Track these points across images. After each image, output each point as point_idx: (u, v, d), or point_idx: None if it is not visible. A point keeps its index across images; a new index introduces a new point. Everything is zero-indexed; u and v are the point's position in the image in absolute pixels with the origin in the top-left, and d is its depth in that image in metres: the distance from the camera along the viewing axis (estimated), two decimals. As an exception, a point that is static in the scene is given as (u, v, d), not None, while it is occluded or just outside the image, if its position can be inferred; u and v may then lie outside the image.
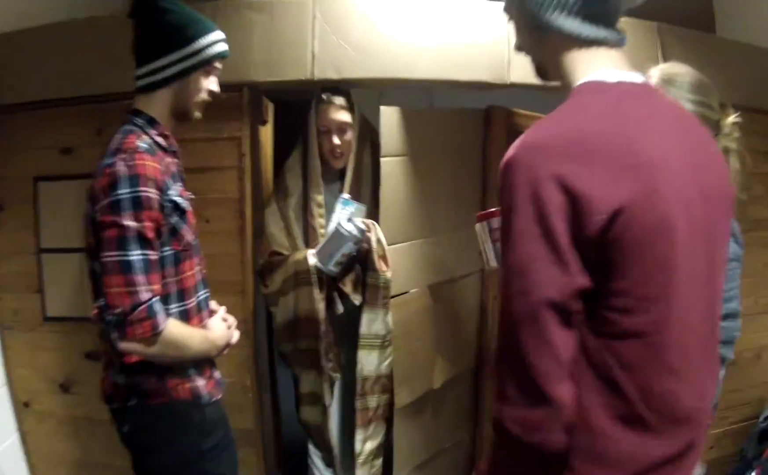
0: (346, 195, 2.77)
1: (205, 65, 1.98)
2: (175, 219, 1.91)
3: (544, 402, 1.16)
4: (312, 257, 2.69)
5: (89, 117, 2.76)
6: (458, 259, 3.09)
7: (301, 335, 2.79)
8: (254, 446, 2.89)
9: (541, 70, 1.47)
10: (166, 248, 1.91)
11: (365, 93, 3.06)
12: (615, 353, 1.21)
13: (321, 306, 2.72)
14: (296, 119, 2.99)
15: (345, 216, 2.70)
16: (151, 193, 1.79)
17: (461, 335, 3.19)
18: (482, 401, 3.27)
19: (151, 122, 1.95)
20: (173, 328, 1.88)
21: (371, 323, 2.77)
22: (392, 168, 2.75)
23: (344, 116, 2.79)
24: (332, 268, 2.66)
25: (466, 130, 3.11)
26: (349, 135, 2.81)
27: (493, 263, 2.00)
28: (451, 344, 3.08)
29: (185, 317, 1.98)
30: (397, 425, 2.84)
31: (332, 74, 2.70)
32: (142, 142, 1.87)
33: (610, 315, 1.20)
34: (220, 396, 2.11)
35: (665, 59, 2.83)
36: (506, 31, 2.76)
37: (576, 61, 1.35)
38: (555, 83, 1.42)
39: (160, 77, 1.94)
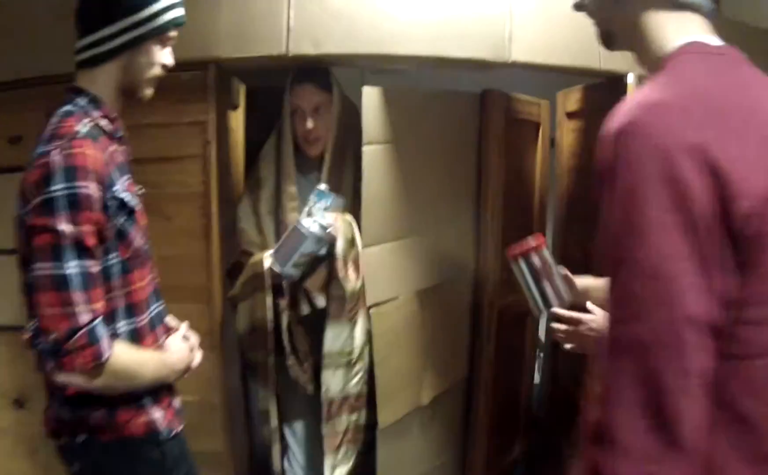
0: (322, 186, 2.46)
1: (158, 34, 1.75)
2: (121, 220, 1.67)
3: (681, 452, 0.93)
4: (268, 259, 2.43)
5: (40, 101, 2.40)
6: (449, 259, 2.89)
7: (254, 345, 2.57)
8: (224, 471, 2.67)
9: (607, 37, 1.33)
10: (112, 256, 1.66)
11: (349, 75, 2.85)
12: (746, 378, 1.00)
13: (270, 315, 2.49)
14: (274, 106, 2.75)
15: (319, 209, 2.41)
16: (92, 189, 1.55)
17: (452, 343, 2.99)
18: (474, 414, 3.06)
19: (95, 102, 1.72)
20: (122, 354, 1.64)
21: (335, 340, 2.51)
22: (375, 157, 2.50)
23: (319, 96, 2.54)
24: (290, 271, 2.37)
25: (460, 116, 2.89)
26: (326, 119, 2.56)
27: (542, 307, 1.87)
28: (441, 354, 2.88)
29: (136, 337, 1.75)
30: (381, 447, 2.59)
31: (309, 49, 2.45)
32: (83, 127, 1.62)
33: (744, 331, 0.99)
34: (180, 428, 1.89)
35: None
36: (507, 2, 2.55)
37: (664, 26, 1.18)
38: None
39: (105, 49, 1.70)
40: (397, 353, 2.63)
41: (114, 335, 1.66)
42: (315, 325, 2.53)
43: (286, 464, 2.74)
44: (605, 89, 2.86)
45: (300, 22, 2.45)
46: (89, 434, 1.70)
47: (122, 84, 1.75)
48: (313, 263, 2.45)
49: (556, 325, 1.91)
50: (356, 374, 2.55)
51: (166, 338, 1.89)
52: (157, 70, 1.79)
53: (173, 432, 1.83)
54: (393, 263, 2.60)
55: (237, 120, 3.01)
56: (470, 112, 2.92)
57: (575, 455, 1.13)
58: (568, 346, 1.90)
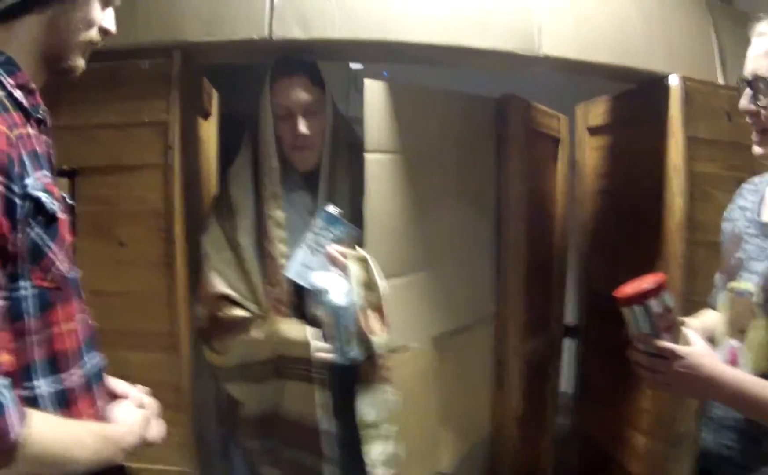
0: (331, 207, 2.05)
1: None
2: (36, 231, 1.21)
3: None
4: (314, 342, 1.98)
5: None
6: (469, 298, 2.60)
7: (287, 442, 2.08)
8: None
9: None
10: (23, 284, 1.20)
11: (333, 73, 2.45)
12: None
13: (321, 412, 2.00)
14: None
15: (326, 239, 2.03)
16: None
17: (473, 399, 2.70)
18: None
19: (8, 65, 1.30)
20: (43, 429, 1.16)
21: (372, 407, 2.07)
22: (380, 170, 2.17)
23: (311, 93, 2.10)
24: (355, 355, 1.97)
25: (476, 123, 2.60)
26: (321, 121, 2.13)
27: None
28: (462, 412, 2.62)
29: (63, 402, 1.28)
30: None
31: (298, 32, 2.09)
32: None
33: None
34: None
35: (718, 36, 2.48)
36: None
37: None
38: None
39: None
40: (410, 413, 2.30)
41: (29, 401, 1.20)
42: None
43: None
44: (638, 97, 2.59)
45: (285, 0, 2.10)
46: None
47: (46, 46, 1.35)
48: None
49: (641, 357, 1.54)
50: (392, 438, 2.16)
51: (108, 402, 1.44)
52: (92, 34, 1.38)
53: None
54: (403, 303, 2.29)
55: (209, 130, 2.67)
56: (487, 120, 2.65)
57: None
58: (654, 385, 1.60)
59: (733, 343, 1.57)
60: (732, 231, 1.70)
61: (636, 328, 1.52)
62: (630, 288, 1.54)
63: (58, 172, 1.42)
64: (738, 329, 1.56)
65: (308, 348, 1.96)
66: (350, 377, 2.04)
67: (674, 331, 1.55)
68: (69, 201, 1.43)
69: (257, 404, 2.11)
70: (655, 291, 1.53)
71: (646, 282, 1.55)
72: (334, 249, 2.00)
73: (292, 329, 2.05)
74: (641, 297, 1.51)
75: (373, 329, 2.01)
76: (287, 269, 2.05)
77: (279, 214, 2.11)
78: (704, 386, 1.48)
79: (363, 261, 2.04)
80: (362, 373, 2.04)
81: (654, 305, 1.50)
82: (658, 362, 1.51)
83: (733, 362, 1.54)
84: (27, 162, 1.20)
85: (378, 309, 2.03)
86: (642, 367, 1.55)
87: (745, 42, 1.81)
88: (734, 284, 1.60)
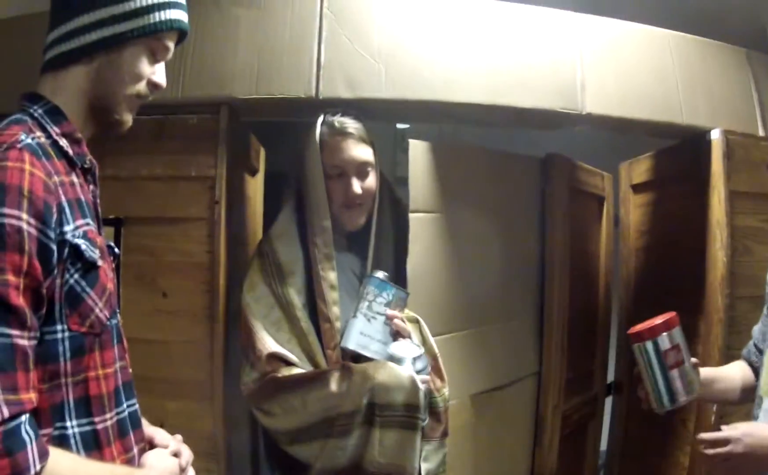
0: (380, 273, 1.99)
1: (145, 35, 1.34)
2: (75, 277, 1.21)
3: None
4: (422, 385, 1.90)
5: None
6: (510, 357, 2.56)
7: None
8: None
9: None
10: (59, 328, 1.20)
11: (379, 133, 2.39)
12: None
13: (418, 460, 1.93)
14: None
15: (380, 305, 1.96)
16: (26, 222, 1.11)
17: (511, 457, 2.64)
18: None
19: (54, 114, 1.30)
20: (63, 468, 1.14)
21: (434, 460, 2.01)
22: (423, 229, 2.17)
23: (366, 152, 2.02)
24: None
25: (520, 182, 2.59)
26: (372, 180, 2.04)
27: (667, 401, 1.67)
28: (498, 470, 2.57)
29: (94, 443, 1.26)
30: None
31: (344, 92, 2.09)
32: (28, 138, 1.20)
33: None
34: None
35: (758, 87, 2.47)
36: (578, 46, 2.25)
37: None
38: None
39: (74, 45, 1.31)
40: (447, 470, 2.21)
41: (60, 440, 1.20)
42: None
43: None
44: (680, 153, 2.56)
45: (332, 59, 2.10)
46: None
47: (92, 98, 1.34)
48: None
49: (709, 450, 1.55)
50: None
51: (143, 450, 1.42)
52: (140, 87, 1.37)
53: None
54: (445, 361, 2.17)
55: (255, 187, 2.64)
56: (530, 179, 2.63)
57: None
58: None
59: None
60: None
61: (645, 364, 1.63)
62: (641, 325, 1.64)
63: (104, 221, 1.43)
64: None
65: (416, 392, 1.85)
66: None
67: (682, 368, 1.64)
68: (116, 250, 1.44)
69: (333, 460, 1.92)
70: (665, 326, 1.63)
71: (657, 319, 1.64)
72: (396, 315, 1.94)
73: (391, 374, 1.89)
74: (651, 332, 1.61)
75: (437, 385, 1.99)
76: (347, 340, 1.94)
77: (332, 276, 2.00)
78: None
79: (415, 322, 2.02)
80: (427, 427, 1.98)
81: (664, 341, 1.60)
82: (719, 454, 1.52)
83: None
84: (67, 209, 1.20)
85: (435, 367, 2.01)
86: (710, 464, 1.61)
87: None
88: None
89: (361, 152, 2.01)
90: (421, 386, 1.85)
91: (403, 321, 1.95)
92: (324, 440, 1.90)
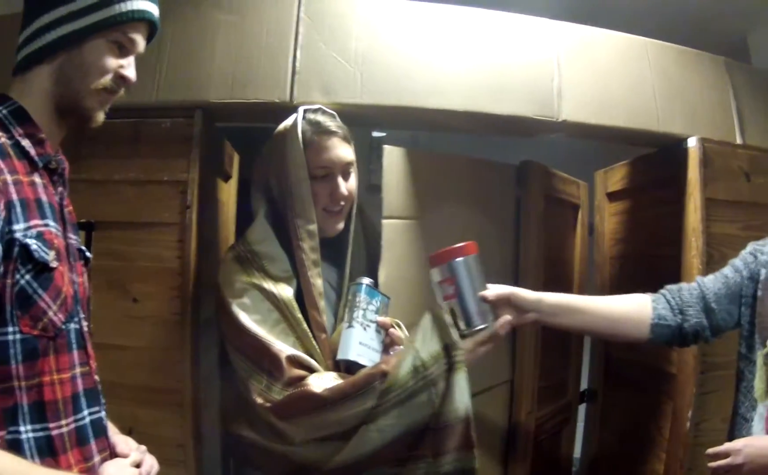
0: (366, 279, 1.90)
1: (110, 29, 1.33)
2: (26, 278, 1.20)
3: None
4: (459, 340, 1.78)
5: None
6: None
7: None
8: None
9: None
10: (9, 330, 1.19)
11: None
12: None
13: None
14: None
15: (372, 312, 1.87)
16: None
17: (484, 467, 2.38)
18: None
19: (18, 114, 1.29)
20: (7, 471, 1.11)
21: None
22: (397, 235, 2.14)
23: (350, 152, 1.94)
24: None
25: (495, 189, 2.56)
26: (354, 182, 1.96)
27: (479, 320, 1.72)
28: None
29: (48, 450, 1.24)
30: None
31: (318, 97, 2.06)
32: None
33: None
34: None
35: (736, 95, 2.47)
36: (555, 53, 2.24)
37: None
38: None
39: (36, 46, 1.32)
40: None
41: (13, 444, 1.18)
42: None
43: None
44: (656, 161, 2.56)
45: (308, 65, 2.08)
46: None
47: (58, 95, 1.33)
48: None
49: (712, 464, 1.58)
50: None
51: (107, 459, 1.37)
52: (106, 81, 1.34)
53: None
54: None
55: (229, 192, 2.59)
56: (506, 186, 2.61)
57: None
58: None
59: None
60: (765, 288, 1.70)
61: (445, 285, 1.71)
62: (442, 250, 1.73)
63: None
64: None
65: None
66: None
67: (455, 303, 1.72)
68: (87, 254, 1.43)
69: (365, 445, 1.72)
70: (434, 260, 1.73)
71: (457, 245, 1.73)
72: (389, 323, 1.87)
73: (425, 342, 1.74)
74: (451, 256, 1.70)
75: None
76: (346, 352, 1.79)
77: (320, 284, 1.87)
78: None
79: (398, 326, 1.95)
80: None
81: (435, 274, 1.72)
82: (721, 466, 1.55)
83: None
84: (18, 208, 1.19)
85: None
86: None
87: (764, 100, 1.82)
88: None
89: (347, 152, 1.92)
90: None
91: (394, 328, 1.89)
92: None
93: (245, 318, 1.78)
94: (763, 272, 1.72)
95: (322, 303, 1.84)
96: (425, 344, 1.71)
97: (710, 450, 1.59)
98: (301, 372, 1.72)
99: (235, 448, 1.89)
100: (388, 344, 1.86)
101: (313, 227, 1.86)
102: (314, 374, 1.73)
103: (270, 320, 1.80)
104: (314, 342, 1.81)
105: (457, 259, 1.71)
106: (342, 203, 1.90)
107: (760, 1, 3.20)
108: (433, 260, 1.74)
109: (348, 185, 1.91)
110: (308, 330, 1.81)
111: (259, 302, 1.81)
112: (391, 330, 1.86)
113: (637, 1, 3.16)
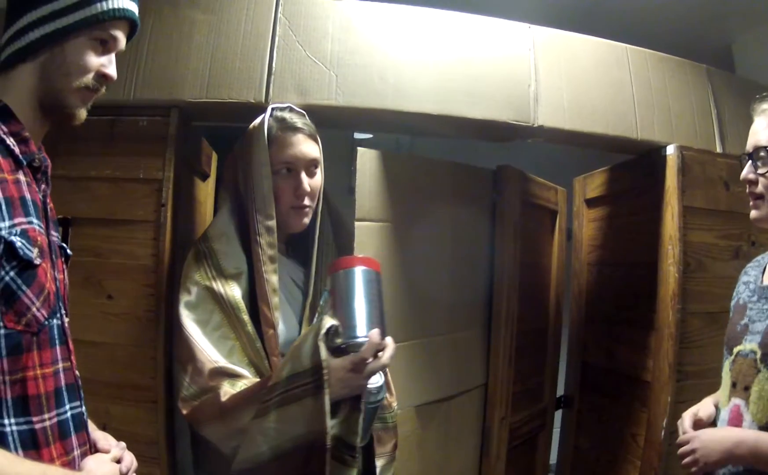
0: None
1: (92, 27, 1.34)
2: (10, 275, 1.21)
3: None
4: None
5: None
6: (456, 368, 2.50)
7: None
8: None
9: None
10: None
11: (334, 142, 2.47)
12: None
13: None
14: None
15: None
16: None
17: (458, 471, 2.57)
18: None
19: (2, 113, 1.31)
20: None
21: (387, 470, 1.93)
22: (369, 238, 2.13)
23: (315, 149, 1.92)
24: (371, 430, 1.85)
25: (471, 193, 2.56)
26: (319, 179, 1.94)
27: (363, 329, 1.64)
28: None
29: (32, 443, 1.24)
30: None
31: (294, 97, 2.06)
32: None
33: None
34: None
35: (717, 104, 2.50)
36: (532, 57, 2.24)
37: None
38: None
39: (19, 45, 1.32)
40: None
41: None
42: None
43: None
44: (635, 168, 2.58)
45: (284, 65, 2.08)
46: None
47: (41, 93, 1.34)
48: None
49: (683, 449, 1.77)
50: None
51: (87, 453, 1.39)
52: (88, 79, 1.36)
53: None
54: (389, 372, 2.08)
55: (206, 191, 2.59)
56: (482, 191, 2.60)
57: None
58: (697, 467, 1.75)
59: (737, 401, 1.66)
60: (737, 303, 1.78)
61: (346, 291, 1.65)
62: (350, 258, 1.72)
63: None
64: (743, 387, 1.65)
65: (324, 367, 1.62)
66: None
67: (335, 315, 1.65)
68: (68, 251, 1.45)
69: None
70: (367, 264, 1.69)
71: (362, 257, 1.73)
72: None
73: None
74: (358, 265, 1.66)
75: (388, 400, 1.91)
76: None
77: (275, 280, 1.86)
78: (732, 441, 1.62)
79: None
80: (379, 439, 1.91)
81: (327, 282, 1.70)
82: (684, 451, 1.74)
83: (737, 418, 1.65)
84: (3, 205, 1.20)
85: (386, 382, 1.88)
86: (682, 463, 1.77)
87: (745, 108, 1.84)
88: (739, 348, 1.69)
89: (311, 149, 1.91)
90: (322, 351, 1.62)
91: None
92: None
93: (185, 317, 1.80)
94: (739, 290, 1.82)
95: (275, 299, 1.82)
96: (302, 354, 1.66)
97: (678, 440, 1.80)
98: (219, 382, 1.73)
99: (194, 446, 1.90)
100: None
101: (272, 223, 1.86)
102: (229, 381, 1.74)
103: (211, 321, 1.81)
104: (257, 344, 1.81)
105: (338, 271, 1.67)
106: (307, 200, 1.90)
107: (744, 11, 3.22)
108: (327, 268, 1.76)
109: (312, 182, 1.90)
110: (252, 331, 1.81)
111: (204, 301, 1.83)
112: None
113: (622, 10, 3.18)
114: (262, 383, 1.71)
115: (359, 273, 1.65)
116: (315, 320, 1.83)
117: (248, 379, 1.76)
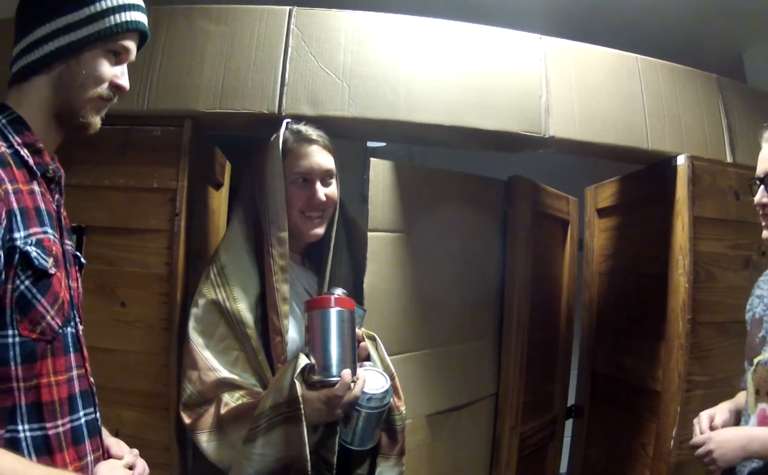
0: (339, 290, 1.88)
1: (105, 40, 1.37)
2: (26, 284, 1.22)
3: None
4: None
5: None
6: (467, 378, 2.49)
7: None
8: None
9: None
10: (9, 333, 1.22)
11: (349, 152, 2.47)
12: None
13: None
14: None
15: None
16: None
17: None
18: None
19: (17, 124, 1.32)
20: (7, 469, 1.13)
21: None
22: (382, 248, 2.14)
23: (330, 161, 1.96)
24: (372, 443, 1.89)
25: (483, 204, 2.55)
26: (334, 189, 1.98)
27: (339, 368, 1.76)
28: None
29: (45, 448, 1.27)
30: None
31: (306, 109, 2.07)
32: None
33: None
34: None
35: (727, 114, 2.46)
36: (543, 68, 2.24)
37: None
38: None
39: (33, 57, 1.34)
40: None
41: (11, 442, 1.21)
42: None
43: None
44: (646, 178, 2.57)
45: (297, 77, 2.08)
46: None
47: (56, 105, 1.36)
48: None
49: (700, 450, 1.86)
50: None
51: (100, 459, 1.41)
52: (103, 89, 1.38)
53: None
54: (400, 381, 2.08)
55: (219, 201, 2.58)
56: (493, 201, 2.60)
57: None
58: (713, 464, 1.86)
59: (763, 405, 1.77)
60: (753, 317, 1.86)
61: (326, 330, 1.74)
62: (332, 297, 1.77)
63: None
64: (765, 392, 1.76)
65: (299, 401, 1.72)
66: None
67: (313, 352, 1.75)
68: (82, 260, 1.48)
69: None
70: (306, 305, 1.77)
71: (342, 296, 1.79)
72: (359, 335, 1.89)
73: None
74: (340, 304, 1.74)
75: (395, 404, 1.92)
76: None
77: (285, 289, 1.89)
78: (745, 438, 1.75)
79: (372, 340, 1.95)
80: (383, 446, 1.92)
81: (339, 316, 1.73)
82: (699, 453, 1.82)
83: (764, 421, 1.76)
84: (19, 216, 1.21)
85: (392, 386, 1.90)
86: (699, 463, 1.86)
87: (756, 118, 1.86)
88: (759, 357, 1.79)
89: (326, 160, 1.95)
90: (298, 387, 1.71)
91: (362, 339, 1.91)
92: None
93: (192, 328, 1.90)
94: (753, 304, 1.90)
95: (284, 308, 1.86)
96: (282, 388, 1.75)
97: (692, 441, 1.88)
98: (219, 392, 1.86)
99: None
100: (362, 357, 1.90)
101: (284, 235, 1.89)
102: (228, 392, 1.85)
103: (216, 333, 1.89)
104: (260, 356, 1.88)
105: (313, 310, 1.76)
106: (321, 210, 1.94)
107: (755, 20, 3.21)
108: (304, 305, 1.81)
109: (327, 191, 1.94)
110: (257, 345, 1.88)
111: (209, 314, 1.91)
112: (362, 344, 1.90)
113: (633, 20, 3.17)
114: (253, 404, 1.80)
115: (333, 315, 1.74)
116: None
117: (247, 390, 1.85)
